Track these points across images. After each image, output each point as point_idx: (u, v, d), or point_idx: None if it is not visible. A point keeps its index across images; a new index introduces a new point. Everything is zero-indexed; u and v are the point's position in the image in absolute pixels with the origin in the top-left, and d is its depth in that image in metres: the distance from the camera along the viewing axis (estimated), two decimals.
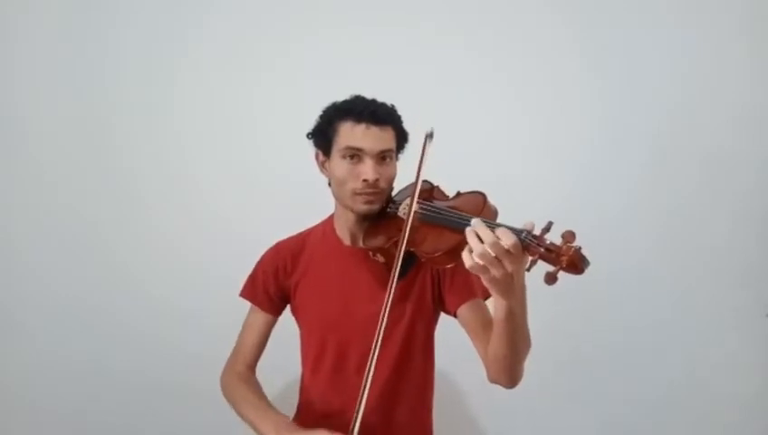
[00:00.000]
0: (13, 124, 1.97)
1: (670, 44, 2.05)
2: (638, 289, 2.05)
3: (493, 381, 1.21)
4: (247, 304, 1.47)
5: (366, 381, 1.10)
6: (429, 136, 1.19)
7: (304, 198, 1.88)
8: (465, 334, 1.29)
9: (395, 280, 1.13)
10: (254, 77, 2.01)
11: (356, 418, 1.09)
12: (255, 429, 1.29)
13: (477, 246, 0.94)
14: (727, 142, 2.06)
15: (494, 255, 0.93)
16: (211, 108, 2.01)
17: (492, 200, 1.16)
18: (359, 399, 1.09)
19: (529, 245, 0.94)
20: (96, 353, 1.98)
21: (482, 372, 1.23)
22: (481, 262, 0.94)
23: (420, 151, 1.18)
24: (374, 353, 1.10)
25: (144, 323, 1.98)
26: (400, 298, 1.30)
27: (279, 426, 1.24)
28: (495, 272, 0.94)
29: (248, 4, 2.02)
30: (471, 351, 1.27)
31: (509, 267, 0.94)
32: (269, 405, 1.32)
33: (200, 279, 1.98)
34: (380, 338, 1.11)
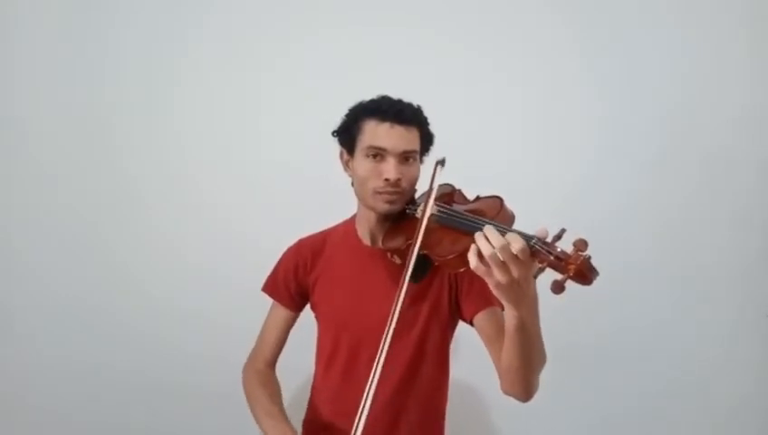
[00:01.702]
0: (13, 124, 1.97)
1: (670, 44, 2.05)
2: (638, 289, 2.05)
3: (506, 392, 1.20)
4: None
5: (371, 382, 1.08)
6: (441, 163, 1.19)
7: (304, 198, 1.90)
8: (482, 343, 1.28)
9: (406, 281, 1.12)
10: (254, 77, 2.01)
11: (358, 420, 1.09)
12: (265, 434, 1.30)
13: (486, 248, 0.93)
14: (727, 142, 2.06)
15: (501, 258, 0.92)
16: (211, 108, 2.01)
17: (509, 205, 1.15)
18: (363, 399, 1.08)
19: (538, 251, 0.93)
20: (96, 353, 1.98)
21: (497, 381, 1.22)
22: (486, 264, 0.93)
23: (431, 179, 1.18)
24: (380, 355, 1.09)
25: (144, 323, 1.98)
26: (415, 301, 1.29)
27: None
28: (500, 276, 0.93)
29: (248, 4, 2.01)
30: (487, 359, 1.26)
31: (515, 273, 0.93)
32: (282, 414, 1.32)
33: (200, 279, 1.98)
34: (388, 339, 1.09)
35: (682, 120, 2.05)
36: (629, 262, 2.00)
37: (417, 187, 1.32)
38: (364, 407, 1.08)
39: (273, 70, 2.01)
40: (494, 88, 2.03)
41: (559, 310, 1.88)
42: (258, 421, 1.33)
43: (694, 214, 2.06)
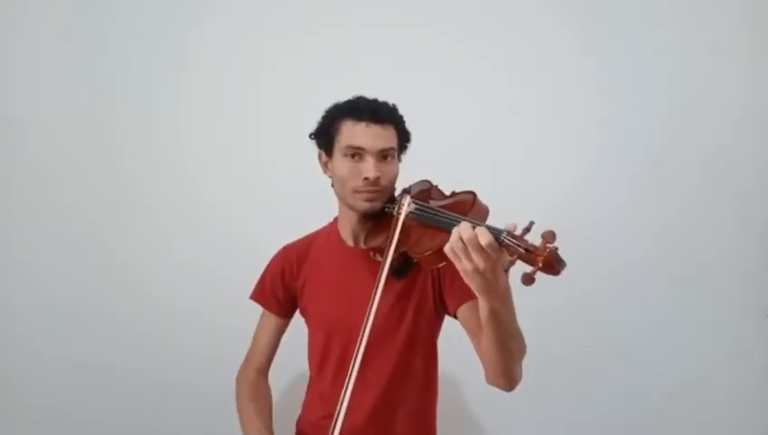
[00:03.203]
0: (13, 124, 1.97)
1: (670, 44, 2.05)
2: (638, 289, 2.05)
3: (490, 383, 1.22)
4: (249, 307, 1.47)
5: (348, 380, 1.12)
6: (407, 192, 1.24)
7: (304, 198, 1.89)
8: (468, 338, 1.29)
9: (382, 280, 1.15)
10: (255, 77, 2.01)
11: (336, 417, 1.11)
12: None
13: (454, 235, 0.97)
14: (727, 142, 2.06)
15: (468, 247, 0.96)
16: (211, 108, 2.01)
17: (482, 199, 1.18)
18: (340, 399, 1.11)
19: (508, 245, 0.96)
20: (96, 353, 1.98)
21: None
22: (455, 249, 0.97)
23: (396, 211, 1.23)
24: (357, 352, 1.12)
25: (144, 323, 1.98)
26: (401, 298, 1.31)
27: None
28: (466, 263, 0.96)
29: (248, 4, 2.02)
30: (474, 353, 1.27)
31: (480, 264, 0.95)
32: (269, 433, 1.36)
33: (200, 279, 1.98)
34: (365, 337, 1.13)
35: (682, 120, 2.05)
36: (629, 262, 2.00)
37: (396, 185, 1.33)
38: (341, 406, 1.11)
39: (273, 70, 2.01)
40: (494, 88, 2.03)
41: (558, 310, 1.89)
42: None
43: (694, 214, 2.06)
